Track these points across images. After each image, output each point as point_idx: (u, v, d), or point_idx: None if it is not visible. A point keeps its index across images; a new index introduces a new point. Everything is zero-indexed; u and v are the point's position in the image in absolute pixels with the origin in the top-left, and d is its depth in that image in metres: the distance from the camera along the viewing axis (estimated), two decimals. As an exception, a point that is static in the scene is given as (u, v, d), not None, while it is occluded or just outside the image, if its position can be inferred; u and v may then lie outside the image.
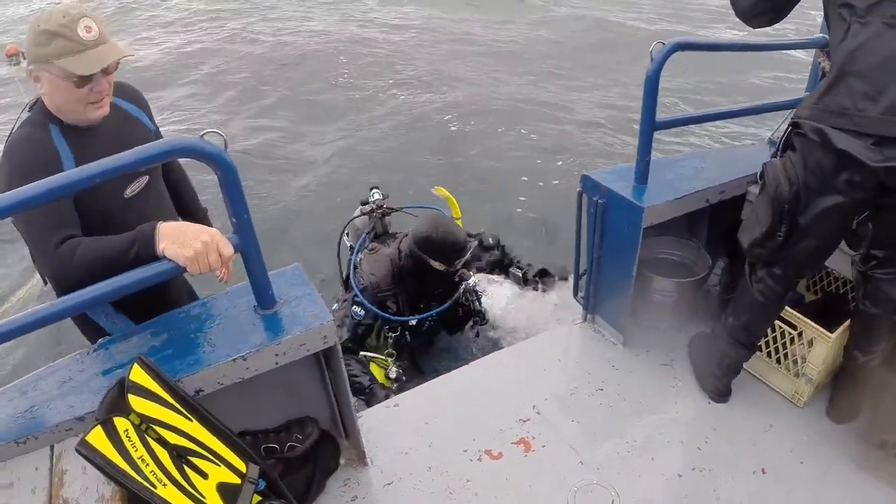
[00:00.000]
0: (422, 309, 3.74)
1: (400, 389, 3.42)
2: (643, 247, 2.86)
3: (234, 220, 1.83)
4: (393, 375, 3.51)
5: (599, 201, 2.86)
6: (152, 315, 2.10)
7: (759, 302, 2.56)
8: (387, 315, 3.59)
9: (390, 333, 3.72)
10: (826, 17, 2.28)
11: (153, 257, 1.84)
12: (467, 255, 3.63)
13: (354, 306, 3.61)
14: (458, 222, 3.76)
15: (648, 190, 2.82)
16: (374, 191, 4.40)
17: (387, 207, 4.29)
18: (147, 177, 2.43)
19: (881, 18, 2.04)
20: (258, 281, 1.99)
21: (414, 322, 3.67)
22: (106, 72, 2.17)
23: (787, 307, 2.73)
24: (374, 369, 3.51)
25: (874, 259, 2.42)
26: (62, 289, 2.03)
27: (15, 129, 2.22)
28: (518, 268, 4.10)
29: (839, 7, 2.16)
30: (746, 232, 2.47)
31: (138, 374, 1.73)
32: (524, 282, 4.00)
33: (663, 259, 3.32)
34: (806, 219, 2.26)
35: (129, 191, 2.36)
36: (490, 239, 4.15)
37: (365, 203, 4.35)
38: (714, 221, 3.22)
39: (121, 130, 2.37)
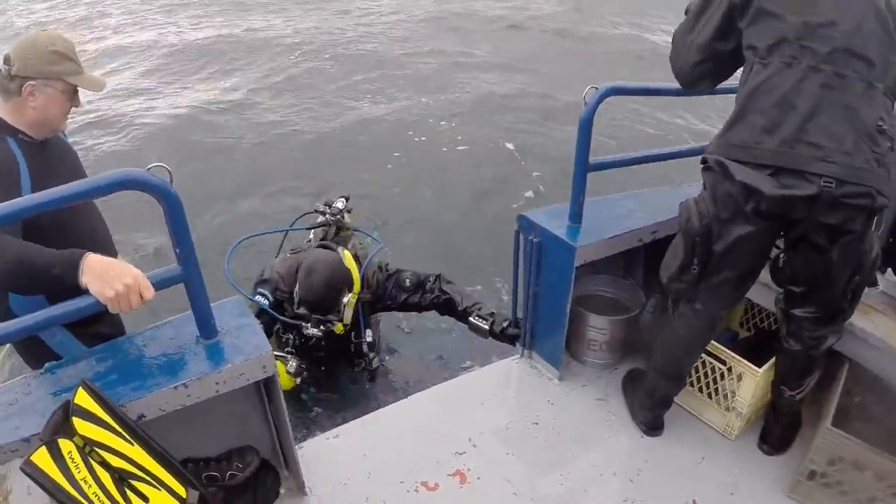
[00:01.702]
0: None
1: (305, 385, 3.75)
2: (579, 284, 2.97)
3: (177, 250, 1.90)
4: (293, 370, 3.44)
5: (534, 240, 2.96)
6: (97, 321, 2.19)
7: (681, 336, 2.67)
8: (275, 314, 3.42)
9: (285, 335, 3.66)
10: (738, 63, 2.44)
11: (76, 284, 1.90)
12: (330, 321, 3.42)
13: (257, 296, 3.49)
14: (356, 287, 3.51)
15: (582, 230, 2.92)
16: (342, 199, 4.33)
17: (340, 220, 4.19)
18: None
19: (780, 58, 2.19)
20: (200, 312, 2.05)
21: (311, 330, 3.42)
22: None
23: (718, 343, 2.84)
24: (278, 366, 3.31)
25: (793, 297, 2.54)
26: None
27: None
28: (480, 317, 3.66)
29: (746, 49, 2.32)
30: (665, 269, 2.59)
31: (83, 398, 1.78)
32: (491, 334, 3.64)
33: (599, 296, 3.42)
34: (720, 249, 2.37)
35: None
36: (407, 281, 3.78)
37: (328, 204, 4.26)
38: (649, 260, 3.32)
39: (65, 152, 2.69)
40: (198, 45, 13.41)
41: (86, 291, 1.88)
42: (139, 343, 2.15)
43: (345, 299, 3.43)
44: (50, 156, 2.53)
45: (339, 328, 3.51)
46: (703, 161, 2.39)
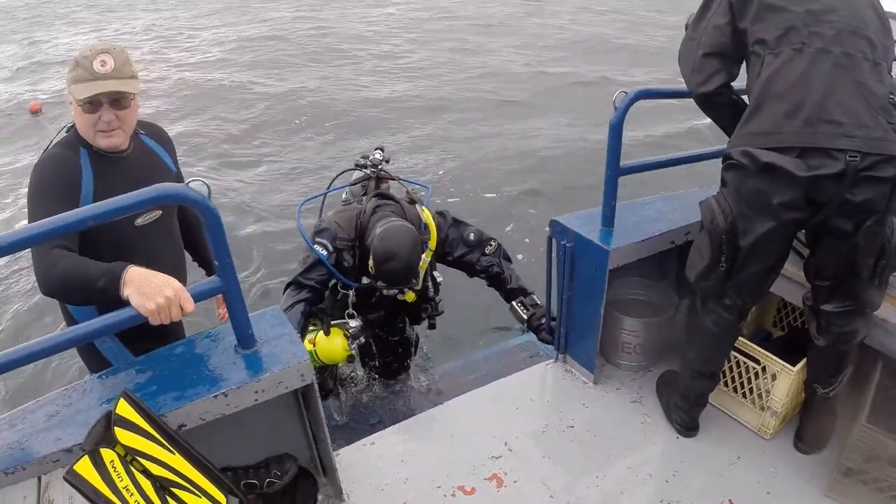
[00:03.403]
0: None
1: (361, 354, 3.69)
2: (612, 287, 2.96)
3: (216, 263, 1.93)
4: (354, 326, 3.22)
5: (567, 245, 2.97)
6: (148, 336, 2.18)
7: (713, 332, 2.67)
8: (335, 272, 3.20)
9: (343, 289, 3.36)
10: (746, 64, 2.45)
11: (118, 296, 1.93)
12: (413, 284, 3.19)
13: (315, 245, 3.22)
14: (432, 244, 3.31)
15: (614, 233, 2.93)
16: (378, 151, 4.11)
17: (382, 171, 3.99)
18: (160, 211, 2.62)
19: (790, 46, 2.24)
20: (239, 322, 2.08)
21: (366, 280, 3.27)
22: (118, 105, 2.41)
23: (752, 343, 2.83)
24: (334, 331, 3.19)
25: (821, 292, 2.53)
26: (43, 287, 2.19)
27: (50, 146, 2.46)
28: (523, 305, 3.51)
29: (753, 45, 2.36)
30: (691, 268, 2.59)
31: (124, 408, 1.81)
32: (528, 326, 3.55)
33: (632, 299, 3.41)
34: (746, 245, 2.37)
35: (141, 220, 2.56)
36: (471, 235, 3.48)
37: (365, 157, 4.05)
38: (682, 261, 3.29)
39: (143, 166, 2.61)
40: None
41: (126, 302, 1.91)
42: (179, 353, 2.19)
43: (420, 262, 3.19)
44: (122, 169, 2.51)
45: (410, 296, 3.26)
46: (726, 157, 2.39)
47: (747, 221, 2.34)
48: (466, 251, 3.45)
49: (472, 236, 3.46)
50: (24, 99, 13.45)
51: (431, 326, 3.72)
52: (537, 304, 3.46)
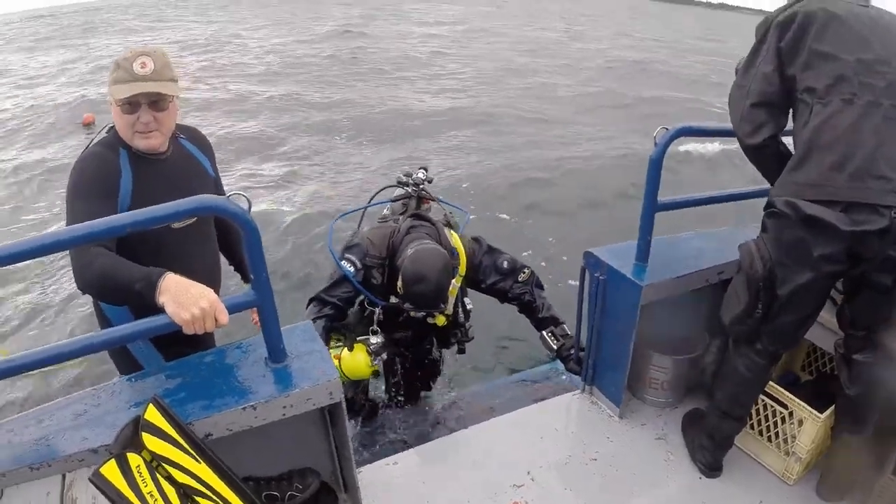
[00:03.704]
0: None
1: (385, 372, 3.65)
2: (643, 321, 2.95)
3: (252, 276, 1.96)
4: (375, 343, 3.19)
5: (601, 277, 2.98)
6: (180, 340, 2.17)
7: (744, 375, 2.65)
8: (361, 288, 3.16)
9: (370, 305, 3.35)
10: (794, 108, 2.42)
11: (154, 302, 1.95)
12: (442, 309, 3.17)
13: (343, 261, 3.20)
14: (462, 267, 3.26)
15: (649, 269, 2.93)
16: (421, 170, 4.03)
17: (424, 191, 3.91)
18: (196, 217, 2.63)
19: (839, 96, 2.21)
20: (271, 336, 2.10)
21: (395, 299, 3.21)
22: (156, 107, 2.43)
23: (780, 387, 2.81)
24: (357, 346, 3.19)
25: (854, 341, 2.52)
26: (79, 282, 2.22)
27: (90, 145, 2.49)
28: (553, 335, 3.46)
29: (801, 93, 2.32)
30: (727, 311, 2.59)
31: (153, 415, 1.84)
32: (557, 356, 3.50)
33: (662, 334, 3.39)
34: (783, 294, 2.37)
35: (178, 223, 2.57)
36: (505, 263, 3.43)
37: (408, 175, 3.98)
38: (714, 300, 3.27)
39: (181, 169, 2.65)
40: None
41: (161, 308, 1.93)
42: (210, 362, 2.21)
43: (450, 287, 3.14)
44: (161, 171, 2.55)
45: (440, 320, 3.28)
46: (769, 205, 2.38)
47: (786, 270, 2.33)
48: (499, 279, 3.41)
49: (505, 264, 3.41)
50: (70, 102, 13.90)
51: (461, 351, 3.70)
52: (568, 334, 3.43)
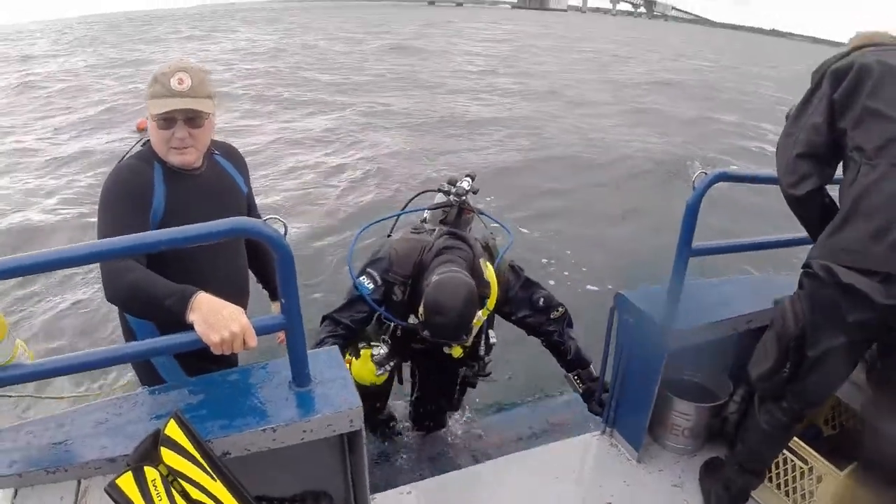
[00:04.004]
0: None
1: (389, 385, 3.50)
2: (668, 366, 2.93)
3: (283, 301, 1.96)
4: (378, 357, 3.13)
5: (630, 320, 2.96)
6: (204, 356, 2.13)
7: (766, 431, 2.61)
8: (378, 308, 3.08)
9: (386, 320, 3.20)
10: (843, 161, 2.38)
11: (183, 318, 1.96)
12: (463, 341, 2.99)
13: (363, 276, 3.11)
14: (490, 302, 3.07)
15: (678, 314, 2.88)
16: (466, 179, 3.73)
17: (465, 201, 3.64)
18: None
19: (888, 160, 2.15)
20: (297, 359, 2.09)
21: (413, 320, 3.07)
22: (192, 124, 2.43)
23: (802, 441, 2.77)
24: (363, 352, 3.18)
25: (883, 403, 2.48)
26: (108, 293, 2.21)
27: (125, 157, 2.50)
28: (579, 379, 3.42)
29: (851, 151, 2.27)
30: (755, 365, 2.55)
31: (173, 430, 1.83)
32: (582, 397, 3.46)
33: (686, 380, 3.37)
34: (813, 355, 2.33)
35: None
36: (541, 301, 3.33)
37: (452, 183, 3.71)
38: (741, 348, 3.24)
39: (216, 185, 2.65)
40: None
41: (191, 326, 1.93)
42: (233, 380, 2.21)
43: (474, 319, 2.95)
44: (194, 187, 2.55)
45: (457, 351, 3.09)
46: (807, 266, 2.35)
47: (818, 332, 2.29)
48: (530, 314, 3.32)
49: (541, 301, 3.31)
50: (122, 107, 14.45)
51: (471, 385, 3.66)
52: (594, 377, 3.38)
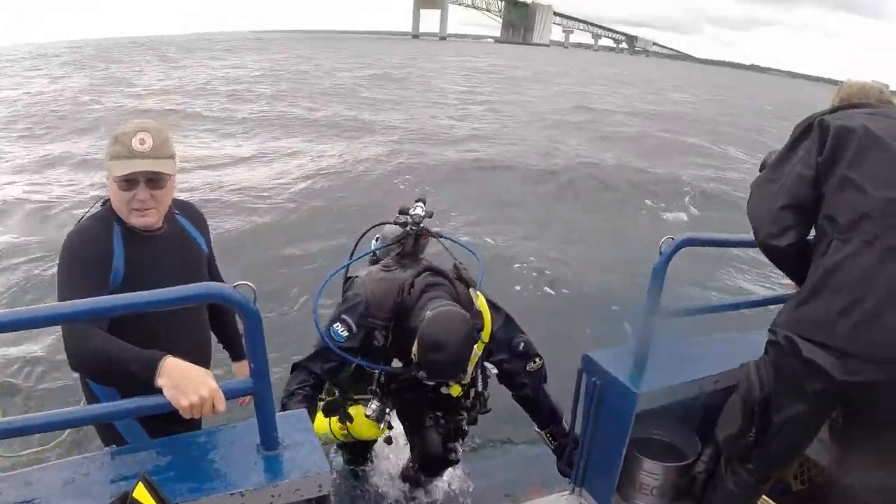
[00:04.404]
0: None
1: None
2: (636, 425, 2.95)
3: (252, 365, 1.97)
4: (373, 413, 3.04)
5: (597, 382, 2.98)
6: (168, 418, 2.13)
7: (733, 492, 2.65)
8: (351, 358, 2.93)
9: (369, 368, 3.08)
10: (816, 224, 2.37)
11: (152, 384, 1.96)
12: (460, 378, 2.89)
13: (337, 324, 2.95)
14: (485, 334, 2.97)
15: (645, 376, 2.92)
16: (419, 204, 3.52)
17: (424, 228, 3.46)
18: None
19: (861, 236, 2.16)
20: (266, 423, 2.09)
21: (397, 363, 3.05)
22: (154, 185, 2.41)
23: (770, 498, 2.80)
24: (355, 411, 3.09)
25: (850, 460, 2.51)
26: (73, 362, 2.20)
27: (83, 219, 2.48)
28: (551, 436, 3.39)
29: (823, 219, 2.29)
30: (721, 428, 2.60)
31: (141, 493, 1.81)
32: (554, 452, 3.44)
33: (655, 439, 3.38)
34: (778, 421, 2.37)
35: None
36: (521, 345, 3.21)
37: (404, 212, 3.50)
38: (708, 407, 3.27)
39: (176, 246, 2.62)
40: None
41: (159, 390, 1.94)
42: (201, 443, 2.21)
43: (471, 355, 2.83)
44: (154, 248, 2.52)
45: (455, 390, 2.99)
46: (772, 332, 2.39)
47: (782, 398, 2.34)
48: (507, 358, 3.19)
49: (521, 346, 3.20)
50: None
51: (472, 422, 3.43)
52: (566, 433, 3.35)
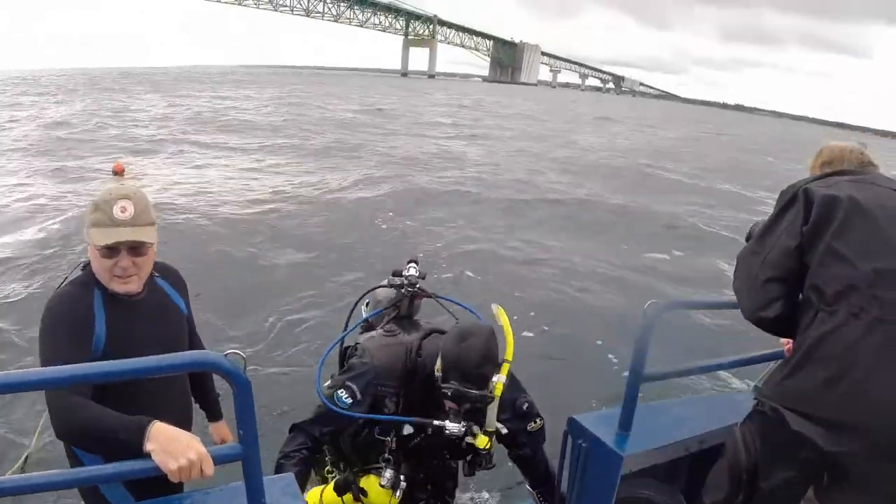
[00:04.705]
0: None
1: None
2: (623, 485, 2.95)
3: (241, 432, 1.98)
4: (387, 482, 2.95)
5: (583, 444, 2.97)
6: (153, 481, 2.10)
7: None
8: (373, 415, 2.91)
9: (381, 435, 3.03)
10: (801, 293, 2.36)
11: (139, 449, 1.96)
12: (490, 390, 2.74)
13: (341, 390, 2.90)
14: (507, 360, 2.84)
15: (630, 438, 2.92)
16: (412, 265, 3.60)
17: (420, 289, 3.51)
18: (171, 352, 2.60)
19: (847, 308, 2.15)
20: (254, 489, 2.07)
21: (409, 429, 2.99)
22: (135, 252, 2.42)
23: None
24: (367, 484, 3.04)
25: None
26: (59, 431, 2.19)
27: (64, 283, 2.48)
28: (542, 496, 3.35)
29: (809, 289, 2.28)
30: (708, 493, 2.58)
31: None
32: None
33: (640, 498, 3.38)
34: (765, 487, 2.36)
35: None
36: (525, 405, 3.15)
37: (397, 274, 3.56)
38: (694, 467, 3.27)
39: (157, 310, 2.62)
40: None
41: (146, 454, 1.94)
42: None
43: (495, 378, 2.74)
44: (135, 313, 2.52)
45: (482, 441, 2.80)
46: (758, 402, 2.40)
47: (769, 465, 2.33)
48: (509, 417, 3.06)
49: (524, 406, 3.13)
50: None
51: (470, 473, 3.24)
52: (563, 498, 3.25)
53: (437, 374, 2.79)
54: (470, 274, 10.20)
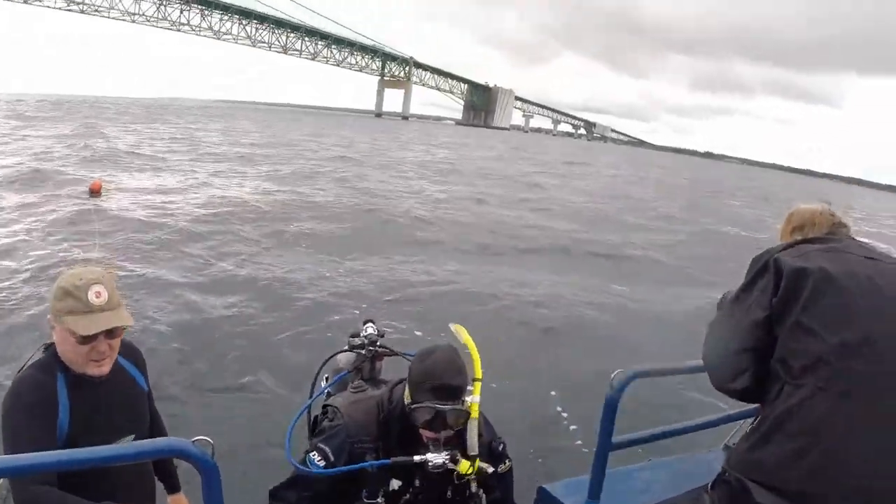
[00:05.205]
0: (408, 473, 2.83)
1: None
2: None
3: None
4: None
5: None
6: None
7: None
8: (348, 466, 2.73)
9: (369, 499, 2.85)
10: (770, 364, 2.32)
11: None
12: (462, 404, 2.68)
13: (313, 453, 2.77)
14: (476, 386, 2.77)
15: None
16: (369, 325, 3.53)
17: (380, 347, 3.45)
18: (132, 435, 2.56)
19: (815, 381, 2.12)
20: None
21: (396, 484, 2.85)
22: (111, 335, 2.39)
23: None
24: None
25: None
26: None
27: (25, 367, 2.43)
28: None
29: (776, 361, 2.25)
30: None
31: None
32: None
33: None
34: None
35: (116, 444, 2.46)
36: (501, 446, 3.01)
37: (355, 336, 3.48)
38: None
39: (120, 391, 2.57)
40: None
41: None
42: None
43: (468, 399, 2.70)
44: (99, 394, 2.47)
45: (463, 466, 2.71)
46: (724, 472, 2.39)
47: None
48: (485, 458, 2.88)
49: (500, 448, 3.00)
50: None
51: None
52: None
53: (407, 401, 2.72)
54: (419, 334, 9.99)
